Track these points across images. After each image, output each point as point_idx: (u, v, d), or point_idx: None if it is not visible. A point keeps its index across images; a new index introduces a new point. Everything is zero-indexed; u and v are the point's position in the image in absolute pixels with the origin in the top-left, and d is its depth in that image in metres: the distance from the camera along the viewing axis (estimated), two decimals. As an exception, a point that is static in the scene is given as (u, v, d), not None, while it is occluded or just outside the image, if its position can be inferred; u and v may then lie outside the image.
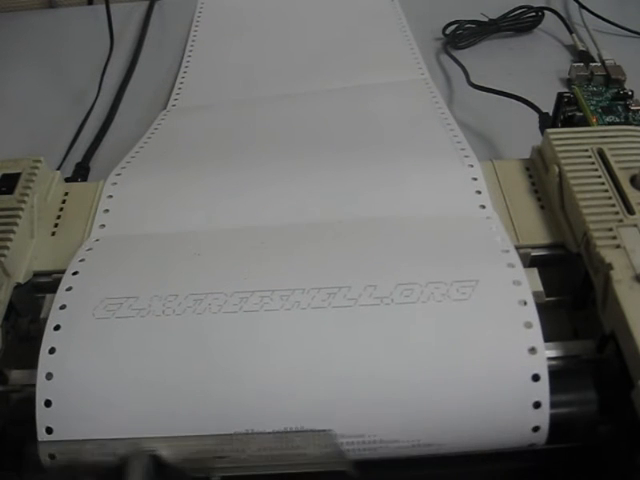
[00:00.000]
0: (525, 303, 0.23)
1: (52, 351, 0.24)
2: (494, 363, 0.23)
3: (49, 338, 0.24)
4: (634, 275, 0.23)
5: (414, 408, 0.22)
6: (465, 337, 0.23)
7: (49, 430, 0.23)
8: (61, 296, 0.25)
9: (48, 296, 0.26)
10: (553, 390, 0.22)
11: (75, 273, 0.26)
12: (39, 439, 0.23)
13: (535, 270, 0.26)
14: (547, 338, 0.23)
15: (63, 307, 0.25)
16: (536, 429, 0.22)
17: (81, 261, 0.27)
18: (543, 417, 0.22)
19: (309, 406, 0.22)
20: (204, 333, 0.24)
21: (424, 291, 0.24)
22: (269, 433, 0.22)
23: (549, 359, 0.24)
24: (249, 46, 0.49)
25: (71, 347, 0.24)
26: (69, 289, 0.26)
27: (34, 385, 0.23)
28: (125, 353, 0.24)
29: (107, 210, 0.30)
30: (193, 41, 0.51)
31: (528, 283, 0.24)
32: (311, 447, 0.22)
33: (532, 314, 0.23)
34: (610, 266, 0.24)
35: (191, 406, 0.23)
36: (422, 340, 0.23)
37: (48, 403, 0.23)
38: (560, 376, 0.23)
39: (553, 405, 0.22)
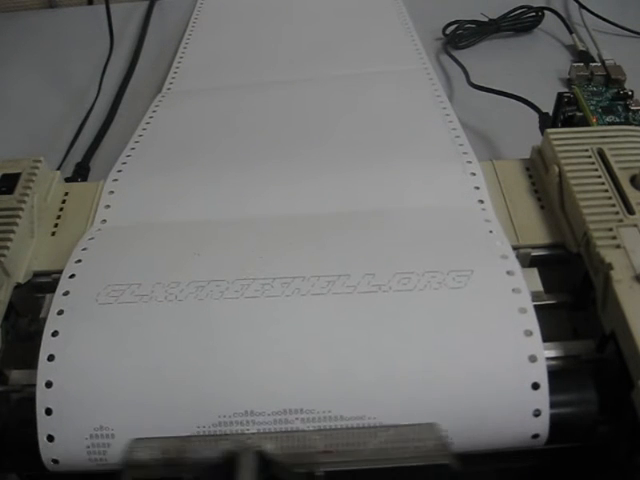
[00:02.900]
0: (519, 291, 0.24)
1: (55, 334, 0.24)
2: (491, 345, 0.23)
3: (52, 322, 0.24)
4: (634, 275, 0.23)
5: (412, 390, 0.23)
6: (462, 321, 0.23)
7: (48, 411, 0.23)
8: (64, 283, 0.26)
9: (48, 296, 0.26)
10: (553, 390, 0.22)
11: (78, 261, 0.27)
12: (38, 420, 0.23)
13: (535, 270, 0.26)
14: (547, 338, 0.23)
15: (66, 293, 0.25)
16: (537, 413, 0.22)
17: (84, 250, 0.28)
18: (542, 399, 0.22)
19: (308, 387, 0.23)
20: (206, 318, 0.24)
21: (421, 280, 0.24)
22: (376, 427, 0.22)
23: (549, 359, 0.24)
24: (248, 36, 0.49)
25: (74, 330, 0.24)
26: (72, 276, 0.26)
27: (34, 385, 0.23)
28: (127, 336, 0.24)
29: (108, 206, 0.31)
30: (191, 30, 0.51)
31: (521, 273, 0.25)
32: (425, 440, 0.22)
33: (526, 301, 0.24)
34: (610, 266, 0.24)
35: (193, 388, 0.23)
36: (419, 324, 0.23)
37: (49, 384, 0.23)
38: (560, 376, 0.23)
39: (553, 405, 0.22)
